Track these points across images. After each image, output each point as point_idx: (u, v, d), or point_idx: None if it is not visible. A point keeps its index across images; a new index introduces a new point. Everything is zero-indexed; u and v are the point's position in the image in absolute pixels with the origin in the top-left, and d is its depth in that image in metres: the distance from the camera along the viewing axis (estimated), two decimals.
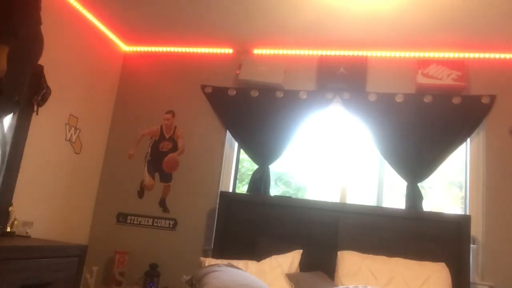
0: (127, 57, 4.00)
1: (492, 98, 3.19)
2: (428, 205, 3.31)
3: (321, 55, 3.56)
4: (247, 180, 3.52)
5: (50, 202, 3.18)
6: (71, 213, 3.42)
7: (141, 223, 3.60)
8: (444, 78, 3.21)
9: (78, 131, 3.43)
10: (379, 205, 3.30)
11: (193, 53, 3.85)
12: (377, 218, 3.03)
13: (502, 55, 3.26)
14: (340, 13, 2.96)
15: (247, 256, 2.90)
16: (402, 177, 3.19)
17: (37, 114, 2.88)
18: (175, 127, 3.74)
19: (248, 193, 3.39)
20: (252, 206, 3.24)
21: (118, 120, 3.87)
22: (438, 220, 2.95)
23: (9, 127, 2.73)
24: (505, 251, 2.97)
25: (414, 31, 3.11)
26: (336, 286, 2.62)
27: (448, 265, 2.73)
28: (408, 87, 3.34)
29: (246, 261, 2.80)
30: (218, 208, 3.31)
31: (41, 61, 2.89)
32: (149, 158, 3.71)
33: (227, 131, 3.61)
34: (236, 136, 3.56)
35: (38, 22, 2.34)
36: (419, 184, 3.16)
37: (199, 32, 3.52)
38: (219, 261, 2.67)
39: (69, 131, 3.33)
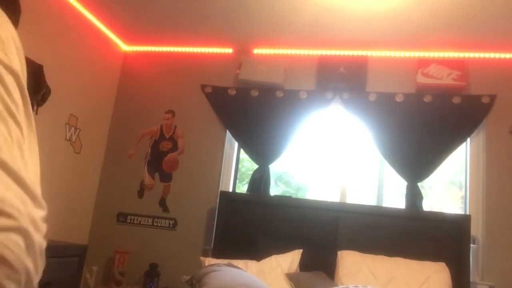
0: (127, 57, 4.00)
1: (492, 98, 3.19)
2: (428, 205, 3.31)
3: (321, 55, 3.56)
4: (247, 180, 3.52)
5: (50, 202, 3.16)
6: (71, 213, 3.42)
7: (141, 223, 3.60)
8: (444, 77, 3.21)
9: (78, 131, 3.43)
10: (379, 205, 3.30)
11: (193, 53, 3.85)
12: (377, 218, 3.03)
13: (502, 55, 3.26)
14: (340, 12, 2.96)
15: (247, 256, 2.90)
16: (402, 177, 3.19)
17: (37, 114, 2.88)
18: (175, 127, 3.74)
19: (248, 193, 3.39)
20: (252, 206, 3.24)
21: (118, 120, 3.87)
22: (438, 220, 2.96)
23: None
24: (505, 251, 2.97)
25: (414, 31, 3.11)
26: (336, 286, 2.62)
27: (448, 265, 2.73)
28: (408, 87, 3.34)
29: (246, 261, 2.80)
30: (218, 208, 3.31)
31: (41, 61, 2.91)
32: (149, 158, 3.71)
33: (227, 131, 3.61)
34: (236, 136, 3.56)
35: None
36: (419, 184, 3.16)
37: (199, 32, 3.52)
38: (219, 261, 2.67)
39: (69, 131, 3.33)
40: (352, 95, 3.39)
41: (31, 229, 0.48)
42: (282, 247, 2.96)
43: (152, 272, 3.26)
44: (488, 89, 3.22)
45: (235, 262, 2.72)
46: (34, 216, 0.50)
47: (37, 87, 2.88)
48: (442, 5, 2.75)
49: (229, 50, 3.75)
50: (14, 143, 0.53)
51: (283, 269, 2.77)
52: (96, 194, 3.74)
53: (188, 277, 2.45)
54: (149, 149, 3.73)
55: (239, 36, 3.53)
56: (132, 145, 3.77)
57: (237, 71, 3.58)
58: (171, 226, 3.54)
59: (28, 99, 0.58)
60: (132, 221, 3.62)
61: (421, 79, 3.24)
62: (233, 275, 2.31)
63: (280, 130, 3.42)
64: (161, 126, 3.76)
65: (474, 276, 2.93)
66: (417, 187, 3.15)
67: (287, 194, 3.68)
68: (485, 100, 3.18)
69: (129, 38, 3.84)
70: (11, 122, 0.52)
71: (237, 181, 3.72)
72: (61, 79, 3.17)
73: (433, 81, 3.22)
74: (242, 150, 3.65)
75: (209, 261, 2.74)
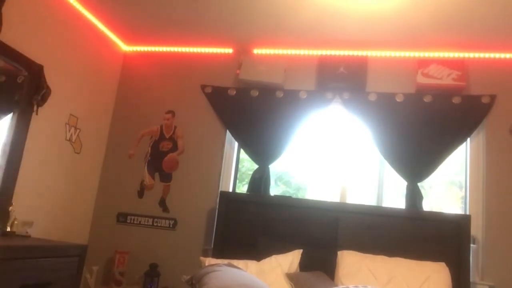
0: (127, 57, 4.00)
1: (492, 98, 3.19)
2: (428, 205, 3.31)
3: (321, 55, 3.56)
4: (247, 180, 3.52)
5: (50, 202, 3.18)
6: (71, 213, 3.42)
7: (141, 223, 3.60)
8: (444, 78, 3.21)
9: (78, 131, 3.43)
10: (379, 205, 3.30)
11: (193, 53, 3.85)
12: (377, 218, 3.03)
13: (502, 55, 3.26)
14: (340, 13, 2.96)
15: (247, 256, 2.90)
16: (402, 177, 3.19)
17: (37, 114, 2.88)
18: (175, 127, 3.74)
19: (248, 193, 3.39)
20: (252, 206, 3.24)
21: (118, 120, 3.87)
22: (438, 220, 2.95)
23: (9, 127, 2.74)
24: (505, 251, 2.97)
25: (414, 31, 3.11)
26: (336, 286, 2.62)
27: (448, 265, 2.73)
28: (408, 87, 3.34)
29: (246, 261, 2.80)
30: (218, 208, 3.31)
31: (41, 61, 2.91)
32: (149, 158, 3.71)
33: (227, 131, 3.61)
34: (236, 136, 3.56)
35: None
36: (419, 184, 3.16)
37: (199, 32, 3.52)
38: (219, 261, 2.67)
39: (69, 131, 3.33)
40: (352, 95, 3.39)
41: None
42: (282, 247, 2.96)
43: (152, 272, 3.26)
44: (488, 89, 3.22)
45: (235, 262, 2.72)
46: None
47: (37, 87, 2.88)
48: (442, 5, 2.75)
49: (229, 50, 3.75)
50: None
51: (283, 269, 2.77)
52: (96, 194, 3.74)
53: (188, 277, 2.45)
54: (149, 149, 3.73)
55: (239, 36, 3.53)
56: (132, 145, 3.77)
57: (237, 71, 3.58)
58: (171, 226, 3.54)
59: None
60: (132, 221, 3.62)
61: (421, 79, 3.24)
62: (233, 275, 2.31)
63: (280, 130, 3.42)
64: (161, 126, 3.76)
65: (474, 276, 2.93)
66: (417, 187, 3.15)
67: (287, 194, 3.67)
68: (485, 100, 3.18)
69: (129, 38, 3.84)
70: None
71: (237, 181, 3.72)
72: (61, 79, 3.17)
73: (433, 81, 3.22)
74: (242, 150, 3.65)
75: (209, 261, 2.74)
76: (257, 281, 2.33)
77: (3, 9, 2.55)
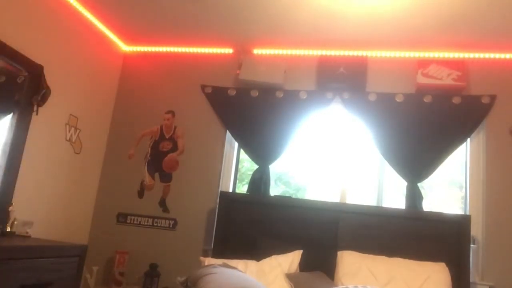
0: (127, 57, 4.00)
1: (492, 98, 3.19)
2: (428, 205, 3.31)
3: (321, 55, 3.56)
4: (247, 180, 3.52)
5: (50, 202, 3.18)
6: (71, 213, 3.42)
7: (141, 223, 3.60)
8: (444, 78, 3.21)
9: (78, 131, 3.43)
10: (379, 205, 3.30)
11: (193, 53, 3.85)
12: (377, 218, 3.03)
13: (502, 55, 3.26)
14: (340, 13, 2.96)
15: (247, 256, 2.90)
16: (402, 177, 3.19)
17: (37, 114, 2.89)
18: (175, 127, 3.74)
19: (248, 193, 3.39)
20: (252, 206, 3.24)
21: (118, 120, 3.87)
22: (438, 220, 2.95)
23: (9, 127, 2.74)
24: (505, 251, 2.97)
25: (414, 31, 3.11)
26: (336, 286, 2.62)
27: (448, 265, 2.73)
28: (408, 87, 3.34)
29: (246, 261, 2.80)
30: (218, 208, 3.31)
31: (41, 61, 2.91)
32: (149, 158, 3.71)
33: (227, 131, 3.61)
34: (236, 136, 3.56)
35: None
36: (419, 184, 3.16)
37: (199, 32, 3.52)
38: (219, 261, 2.67)
39: (69, 131, 3.33)
40: (352, 95, 3.39)
41: None
42: (282, 247, 2.95)
43: (152, 272, 3.26)
44: (488, 89, 3.22)
45: (235, 262, 2.72)
46: None
47: (37, 87, 2.88)
48: (442, 6, 2.75)
49: (229, 50, 3.75)
50: None
51: (283, 269, 2.77)
52: (96, 194, 3.74)
53: (182, 279, 2.43)
54: (149, 149, 3.73)
55: (239, 36, 3.53)
56: (132, 145, 3.77)
57: (237, 71, 3.58)
58: (171, 226, 3.54)
59: None
60: (132, 221, 3.62)
61: (421, 79, 3.24)
62: (230, 277, 2.27)
63: (280, 130, 3.42)
64: (161, 127, 3.76)
65: (474, 276, 2.93)
66: (417, 187, 3.15)
67: (287, 195, 3.67)
68: (485, 100, 3.18)
69: (129, 38, 3.84)
70: None
71: (237, 181, 3.71)
72: (61, 79, 3.17)
73: (433, 81, 3.22)
74: (242, 150, 3.65)
75: (209, 261, 2.73)
76: (255, 283, 2.31)
77: (3, 9, 2.55)
